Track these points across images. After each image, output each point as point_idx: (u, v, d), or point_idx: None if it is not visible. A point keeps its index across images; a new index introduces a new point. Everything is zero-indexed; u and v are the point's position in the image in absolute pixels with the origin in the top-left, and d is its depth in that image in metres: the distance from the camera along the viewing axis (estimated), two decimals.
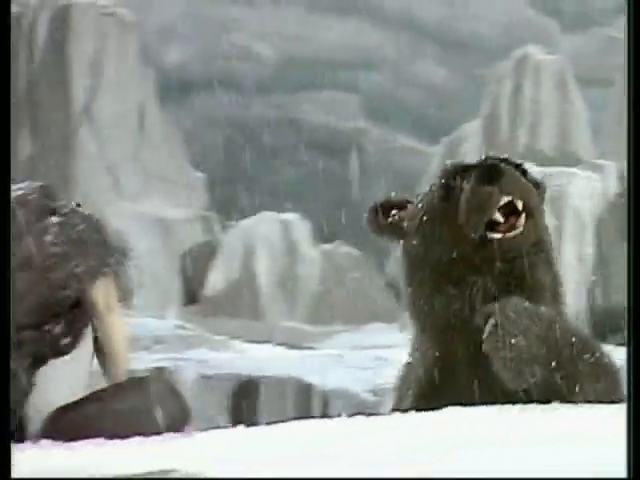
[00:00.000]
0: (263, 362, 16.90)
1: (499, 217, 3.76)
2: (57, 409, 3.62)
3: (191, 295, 30.86)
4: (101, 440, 3.38)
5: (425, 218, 3.98)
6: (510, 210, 3.79)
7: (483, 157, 3.96)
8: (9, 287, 3.13)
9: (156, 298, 30.51)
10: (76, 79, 34.19)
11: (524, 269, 3.80)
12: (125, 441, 3.30)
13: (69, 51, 34.19)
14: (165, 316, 25.58)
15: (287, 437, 3.09)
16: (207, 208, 35.17)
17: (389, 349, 15.08)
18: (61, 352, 3.52)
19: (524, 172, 3.98)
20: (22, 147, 35.38)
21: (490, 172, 3.79)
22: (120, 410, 3.62)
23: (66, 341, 3.51)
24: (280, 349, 19.97)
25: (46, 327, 3.43)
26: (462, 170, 3.93)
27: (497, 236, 3.73)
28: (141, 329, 20.43)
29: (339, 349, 18.10)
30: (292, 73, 43.32)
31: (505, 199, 3.77)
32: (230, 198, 35.73)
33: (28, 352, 3.40)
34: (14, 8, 37.61)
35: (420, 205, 4.09)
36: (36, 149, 35.02)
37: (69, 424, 3.55)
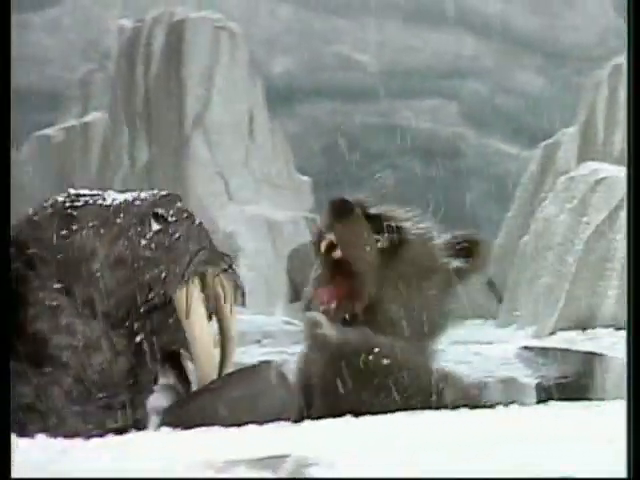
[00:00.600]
0: None
1: (322, 247, 3.88)
2: (176, 401, 3.65)
3: (297, 292, 31.08)
4: (216, 428, 3.36)
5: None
6: (332, 252, 3.89)
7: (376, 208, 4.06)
8: (9, 287, 3.14)
9: (265, 296, 30.82)
10: (190, 89, 34.68)
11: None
12: (240, 429, 3.25)
13: (183, 63, 34.68)
14: (273, 312, 25.79)
15: (391, 427, 3.12)
16: (312, 210, 35.38)
17: (486, 345, 15.03)
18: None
19: (391, 228, 4.02)
20: (139, 154, 36.01)
21: (335, 208, 3.90)
22: (234, 398, 3.62)
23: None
24: None
25: (135, 325, 3.39)
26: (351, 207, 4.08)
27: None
28: (251, 325, 20.70)
29: (440, 344, 18.02)
30: (393, 81, 43.31)
31: (330, 237, 3.88)
32: None
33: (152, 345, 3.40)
34: (132, 23, 38.30)
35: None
36: (152, 156, 35.61)
37: (186, 414, 3.56)
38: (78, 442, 3.05)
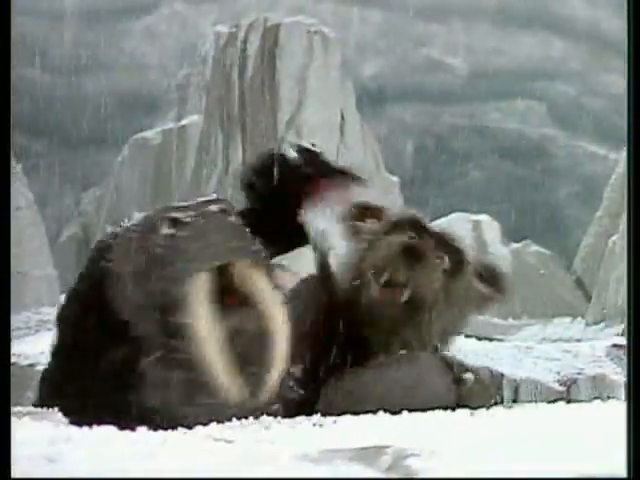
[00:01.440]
0: (455, 352, 16.78)
1: (381, 283, 3.79)
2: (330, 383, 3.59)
3: None
4: (315, 417, 3.28)
5: (365, 240, 4.12)
6: (392, 290, 3.80)
7: (437, 227, 3.96)
8: (9, 286, 3.11)
9: None
10: (283, 92, 34.81)
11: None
12: (338, 418, 3.20)
13: (277, 67, 34.83)
14: None
15: (488, 421, 3.07)
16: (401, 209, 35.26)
17: (575, 342, 14.81)
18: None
19: (454, 251, 3.93)
20: (233, 156, 36.26)
21: (412, 252, 3.80)
22: (395, 380, 3.55)
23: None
24: (471, 341, 19.81)
25: (158, 316, 3.30)
26: (415, 224, 3.97)
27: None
28: None
29: (528, 341, 17.88)
30: (481, 84, 43.02)
31: (399, 279, 3.78)
32: (423, 200, 35.80)
33: None
34: (227, 29, 38.59)
35: (373, 232, 4.13)
36: (246, 157, 35.85)
37: (342, 394, 3.50)
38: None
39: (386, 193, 35.67)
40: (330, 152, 33.00)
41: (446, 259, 3.98)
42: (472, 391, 3.60)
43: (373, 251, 3.97)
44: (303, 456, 2.47)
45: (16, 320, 20.03)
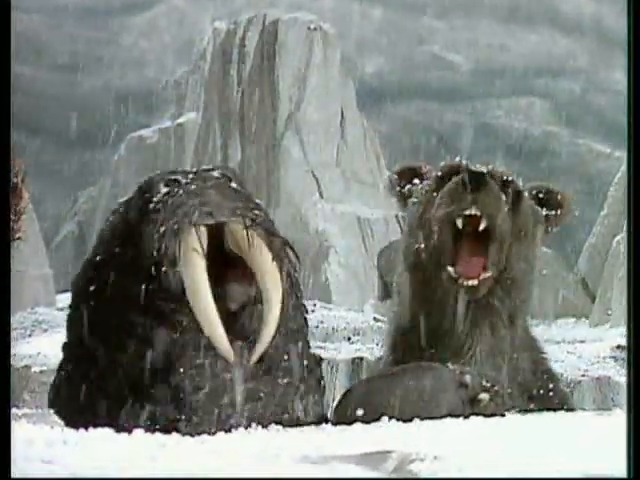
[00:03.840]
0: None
1: (459, 224, 3.74)
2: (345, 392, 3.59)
3: (387, 290, 31.05)
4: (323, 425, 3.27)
5: (416, 201, 4.04)
6: (473, 225, 3.76)
7: (484, 167, 3.93)
8: (9, 285, 3.08)
9: (355, 293, 30.86)
10: (283, 89, 34.83)
11: (480, 303, 3.82)
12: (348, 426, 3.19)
13: (277, 63, 34.86)
14: (363, 309, 25.81)
15: (502, 426, 3.08)
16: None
17: (579, 344, 14.84)
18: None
19: (507, 184, 3.90)
20: (232, 154, 36.30)
21: (471, 180, 3.76)
22: (408, 388, 3.58)
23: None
24: None
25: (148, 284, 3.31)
26: (458, 169, 3.92)
27: (453, 275, 3.76)
28: (341, 321, 20.72)
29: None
30: (484, 81, 43.01)
31: (472, 211, 3.74)
32: None
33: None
34: (226, 25, 38.64)
35: (424, 190, 4.08)
36: (245, 156, 35.88)
37: (356, 401, 3.48)
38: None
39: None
40: (330, 150, 33.22)
41: (505, 194, 4.00)
42: (487, 409, 3.59)
43: (432, 204, 3.96)
44: (303, 458, 2.49)
45: (11, 321, 20.02)
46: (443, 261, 3.86)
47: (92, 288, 3.38)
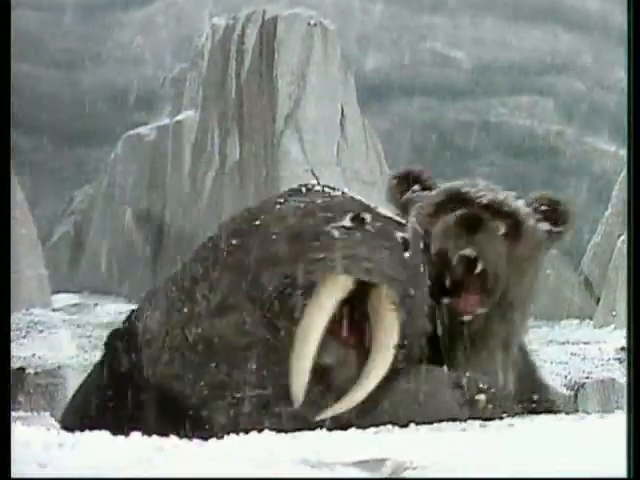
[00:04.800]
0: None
1: (454, 261, 3.74)
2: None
3: None
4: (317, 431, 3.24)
5: (414, 221, 4.01)
6: (469, 265, 3.77)
7: (483, 196, 3.92)
8: (9, 284, 3.05)
9: None
10: (282, 86, 34.84)
11: (472, 331, 3.85)
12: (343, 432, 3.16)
13: (276, 60, 34.87)
14: None
15: (498, 434, 3.08)
16: None
17: (583, 345, 14.88)
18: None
19: (508, 215, 3.91)
20: (231, 153, 36.32)
21: (468, 220, 3.76)
22: (402, 390, 3.49)
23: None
24: None
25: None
26: (459, 198, 3.91)
27: (446, 302, 3.79)
28: None
29: (535, 344, 17.95)
30: (487, 78, 43.06)
31: (468, 252, 3.73)
32: None
33: None
34: (225, 21, 38.64)
35: (421, 210, 4.05)
36: (243, 154, 35.88)
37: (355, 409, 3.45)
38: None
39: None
40: (330, 149, 33.20)
41: (502, 225, 4.00)
42: (485, 412, 3.59)
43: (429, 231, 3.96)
44: (302, 461, 2.49)
45: None
46: (439, 292, 3.87)
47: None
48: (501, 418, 3.48)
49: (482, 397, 3.53)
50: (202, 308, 3.24)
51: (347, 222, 3.18)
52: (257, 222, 3.32)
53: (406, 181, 4.17)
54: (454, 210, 3.90)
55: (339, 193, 3.38)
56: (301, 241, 3.14)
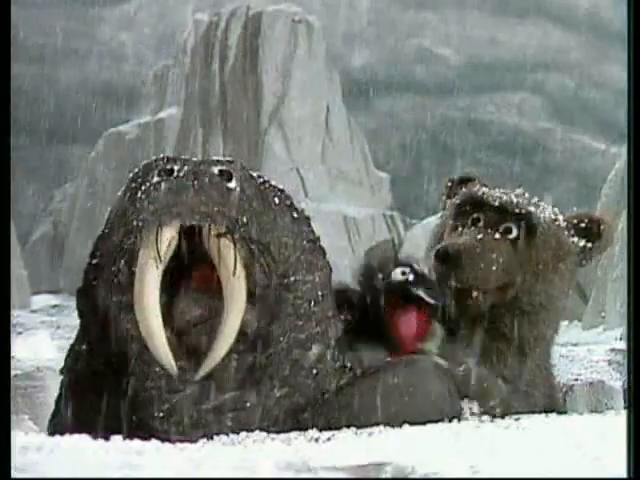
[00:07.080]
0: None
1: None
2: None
3: None
4: (313, 432, 3.22)
5: (439, 223, 4.25)
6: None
7: (496, 199, 4.03)
8: (9, 284, 3.05)
9: None
10: (266, 83, 34.87)
11: (489, 327, 3.98)
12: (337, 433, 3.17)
13: (260, 57, 34.91)
14: None
15: (497, 434, 3.10)
16: (391, 207, 35.38)
17: (572, 347, 14.88)
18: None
19: (521, 217, 4.01)
20: (214, 150, 36.30)
21: (445, 256, 3.91)
22: (390, 385, 3.47)
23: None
24: None
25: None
26: (474, 201, 4.03)
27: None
28: None
29: None
30: (475, 75, 43.12)
31: (453, 283, 3.89)
32: (414, 197, 35.89)
33: None
34: (208, 17, 38.63)
35: (447, 209, 4.25)
36: (227, 152, 35.88)
37: (338, 405, 3.45)
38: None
39: (375, 190, 35.74)
40: (315, 147, 33.29)
41: (514, 230, 4.09)
42: (475, 399, 3.66)
43: (448, 232, 4.17)
44: (287, 466, 2.50)
45: None
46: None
47: (93, 262, 3.31)
48: (494, 416, 3.51)
49: (468, 404, 3.55)
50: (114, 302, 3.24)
51: (155, 178, 3.18)
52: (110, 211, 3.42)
53: (459, 186, 4.32)
54: (471, 213, 4.04)
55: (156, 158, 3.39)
56: (124, 215, 3.19)
